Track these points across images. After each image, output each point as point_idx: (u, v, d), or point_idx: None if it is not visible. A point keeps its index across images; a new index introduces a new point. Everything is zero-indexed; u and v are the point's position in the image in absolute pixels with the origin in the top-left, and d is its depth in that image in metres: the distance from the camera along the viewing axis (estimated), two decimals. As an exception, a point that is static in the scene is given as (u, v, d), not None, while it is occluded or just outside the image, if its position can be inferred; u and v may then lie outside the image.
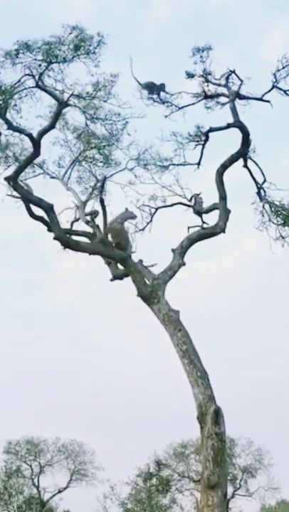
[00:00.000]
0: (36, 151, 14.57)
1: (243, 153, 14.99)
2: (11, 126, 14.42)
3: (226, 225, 14.80)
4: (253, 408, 45.94)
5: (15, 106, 14.26)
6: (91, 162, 17.00)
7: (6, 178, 14.76)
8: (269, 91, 14.89)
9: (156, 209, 16.32)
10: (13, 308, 55.85)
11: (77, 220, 16.37)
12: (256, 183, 15.68)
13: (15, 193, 15.18)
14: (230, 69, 15.08)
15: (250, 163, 15.35)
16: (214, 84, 15.23)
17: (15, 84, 14.11)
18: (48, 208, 14.54)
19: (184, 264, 14.53)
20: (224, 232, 14.83)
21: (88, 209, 16.35)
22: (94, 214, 15.91)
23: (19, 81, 14.12)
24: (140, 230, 16.24)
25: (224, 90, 15.20)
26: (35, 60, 14.01)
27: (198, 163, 15.79)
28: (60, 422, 44.99)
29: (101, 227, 15.11)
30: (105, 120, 15.74)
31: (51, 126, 14.74)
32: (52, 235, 14.59)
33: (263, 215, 15.85)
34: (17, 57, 13.92)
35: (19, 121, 14.47)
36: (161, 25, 54.74)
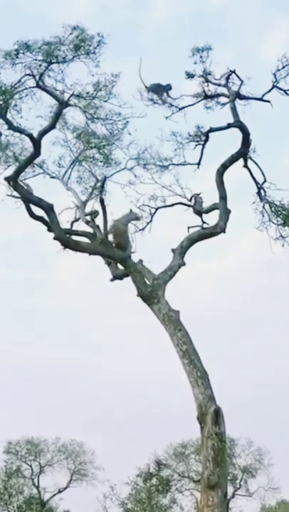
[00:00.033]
0: (36, 151, 14.58)
1: (243, 153, 14.99)
2: (11, 126, 14.42)
3: (226, 225, 14.80)
4: (253, 408, 45.97)
5: (15, 106, 14.27)
6: (91, 162, 17.01)
7: (6, 178, 14.77)
8: (269, 91, 14.90)
9: (156, 209, 16.33)
10: (13, 308, 55.87)
11: (77, 220, 16.38)
12: (256, 183, 15.68)
13: (15, 193, 15.19)
14: (230, 69, 15.08)
15: (250, 163, 15.36)
16: (214, 84, 15.23)
17: (15, 84, 14.12)
18: (48, 208, 14.54)
19: (184, 264, 14.53)
20: (224, 232, 14.84)
21: (88, 209, 16.36)
22: (94, 214, 15.91)
23: (19, 81, 14.13)
24: (140, 230, 16.26)
25: (224, 90, 15.20)
26: (36, 60, 14.01)
27: (198, 163, 15.79)
28: (60, 422, 45.02)
29: (101, 227, 15.12)
30: (106, 120, 15.75)
31: (51, 127, 14.74)
32: (52, 235, 14.59)
33: (263, 215, 15.86)
34: (17, 57, 13.92)
35: (19, 122, 14.50)
36: (161, 25, 54.77)
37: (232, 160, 14.92)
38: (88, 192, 16.89)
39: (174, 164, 16.02)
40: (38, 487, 43.63)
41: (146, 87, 15.16)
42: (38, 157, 15.25)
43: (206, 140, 15.47)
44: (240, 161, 15.19)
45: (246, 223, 16.31)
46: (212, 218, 15.33)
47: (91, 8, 52.85)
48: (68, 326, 58.55)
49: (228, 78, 15.15)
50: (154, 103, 15.26)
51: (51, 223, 14.56)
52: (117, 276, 15.03)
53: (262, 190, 15.74)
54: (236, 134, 14.79)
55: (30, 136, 14.37)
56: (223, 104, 15.22)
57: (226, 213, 14.83)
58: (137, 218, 15.97)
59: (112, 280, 15.18)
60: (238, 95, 14.99)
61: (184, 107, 15.35)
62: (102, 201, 14.99)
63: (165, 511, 42.29)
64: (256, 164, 15.44)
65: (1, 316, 56.40)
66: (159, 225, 16.47)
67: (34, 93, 14.37)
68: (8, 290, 55.48)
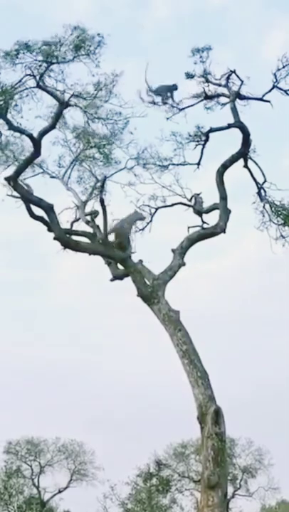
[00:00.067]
0: (37, 152, 14.58)
1: (244, 153, 15.00)
2: (11, 126, 14.42)
3: (226, 225, 14.81)
4: (253, 408, 45.91)
5: (16, 106, 14.26)
6: (91, 161, 17.01)
7: (6, 178, 14.78)
8: (269, 91, 14.90)
9: (156, 209, 16.33)
10: (13, 308, 55.78)
11: (77, 220, 16.39)
12: (256, 183, 15.68)
13: (15, 193, 15.20)
14: (230, 69, 15.08)
15: (250, 163, 15.36)
16: (214, 84, 15.23)
17: (16, 84, 14.12)
18: (48, 208, 14.55)
19: (184, 264, 14.54)
20: (224, 232, 14.84)
21: (88, 209, 16.36)
22: (94, 214, 15.92)
23: (20, 81, 14.14)
24: (140, 230, 16.25)
25: (224, 90, 15.20)
26: (36, 60, 14.02)
27: (198, 163, 15.79)
28: (60, 422, 44.97)
29: (101, 227, 15.12)
30: (106, 120, 15.76)
31: (52, 127, 14.75)
32: (52, 235, 14.60)
33: (263, 215, 15.85)
34: (17, 57, 13.93)
35: (20, 121, 14.49)
36: (161, 25, 54.76)
37: (232, 160, 14.93)
38: (88, 192, 16.89)
39: (173, 164, 16.03)
40: (38, 487, 43.60)
41: (153, 90, 15.17)
42: (38, 157, 15.26)
43: (206, 140, 15.47)
44: (241, 161, 15.20)
45: (246, 223, 16.34)
46: (212, 218, 15.37)
47: (91, 8, 52.85)
48: (68, 326, 58.55)
49: (228, 78, 15.16)
50: (155, 104, 15.26)
51: (51, 223, 14.57)
52: (117, 277, 15.04)
53: (262, 190, 15.74)
54: (236, 134, 14.83)
55: (30, 136, 14.37)
56: (224, 105, 15.23)
57: (226, 213, 14.83)
58: (142, 218, 15.99)
59: (112, 280, 15.19)
60: (239, 95, 15.00)
61: (184, 108, 15.35)
62: (102, 201, 15.00)
63: (165, 511, 42.27)
64: (256, 164, 15.45)
65: (1, 316, 56.38)
66: (159, 225, 16.49)
67: (35, 93, 14.39)
68: (8, 290, 55.46)
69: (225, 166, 14.84)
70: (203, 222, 15.65)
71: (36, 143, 14.39)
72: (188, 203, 16.06)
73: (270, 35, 52.40)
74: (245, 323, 53.20)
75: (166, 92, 15.24)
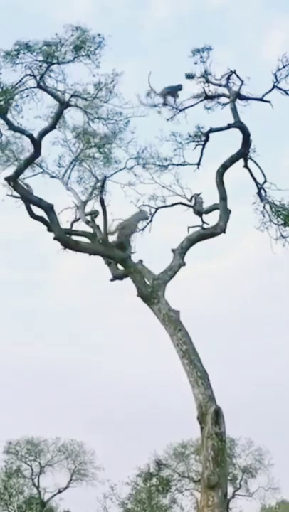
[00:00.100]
0: (37, 152, 14.59)
1: (244, 153, 15.00)
2: (11, 126, 14.42)
3: (226, 225, 14.81)
4: (253, 408, 45.92)
5: (16, 106, 14.27)
6: (91, 161, 17.00)
7: (6, 178, 14.78)
8: (270, 91, 14.90)
9: (157, 209, 16.32)
10: (13, 308, 55.80)
11: (77, 220, 16.38)
12: (256, 183, 15.68)
13: (15, 193, 15.20)
14: (230, 69, 15.08)
15: (250, 163, 15.36)
16: (215, 84, 15.23)
17: (16, 84, 14.12)
18: (48, 208, 14.55)
19: (184, 264, 14.54)
20: (224, 232, 14.85)
21: (88, 209, 16.36)
22: (94, 214, 15.92)
23: (20, 81, 14.14)
24: (140, 230, 16.25)
25: (225, 91, 15.20)
26: (36, 60, 14.02)
27: (198, 164, 15.79)
28: (60, 422, 44.98)
29: (101, 227, 15.12)
30: (107, 120, 15.76)
31: (52, 127, 14.75)
32: (52, 235, 14.61)
33: (263, 215, 15.85)
34: (17, 57, 13.93)
35: (20, 122, 14.49)
36: (161, 25, 54.77)
37: (232, 160, 14.93)
38: (88, 192, 16.89)
39: (173, 164, 16.02)
40: (38, 487, 43.61)
41: (156, 93, 15.18)
42: (38, 157, 15.26)
43: (206, 140, 15.47)
44: (241, 161, 15.19)
45: (247, 223, 16.33)
46: (212, 218, 15.36)
47: (91, 8, 52.82)
48: (68, 326, 58.56)
49: (228, 78, 15.15)
50: (156, 106, 15.28)
51: (51, 223, 14.57)
52: (117, 277, 15.04)
53: (262, 191, 15.74)
54: (236, 135, 14.83)
55: (30, 136, 14.37)
56: (224, 105, 15.23)
57: (226, 213, 14.84)
58: (146, 218, 16.00)
59: (112, 280, 15.19)
60: (239, 95, 15.00)
61: (184, 108, 15.35)
62: (102, 201, 14.99)
63: (165, 511, 42.27)
64: (256, 164, 15.44)
65: (1, 316, 56.42)
66: (159, 225, 16.48)
67: (35, 93, 14.39)
68: (8, 290, 55.48)
69: (225, 166, 14.85)
70: (203, 223, 15.65)
71: (36, 143, 14.39)
72: (189, 203, 16.06)
73: (270, 35, 52.45)
74: (245, 323, 53.23)
75: (172, 92, 15.25)
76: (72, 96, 14.63)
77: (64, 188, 16.72)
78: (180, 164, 15.94)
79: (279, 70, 14.76)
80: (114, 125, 15.89)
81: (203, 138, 15.43)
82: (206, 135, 15.39)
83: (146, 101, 15.21)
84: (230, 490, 38.38)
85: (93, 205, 16.39)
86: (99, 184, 16.25)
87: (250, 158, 15.29)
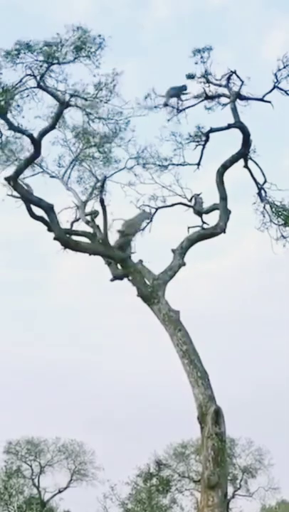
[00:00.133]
0: (37, 152, 14.59)
1: (244, 153, 15.00)
2: (12, 126, 14.42)
3: (226, 226, 14.81)
4: (253, 408, 45.90)
5: (17, 106, 14.27)
6: (91, 161, 17.00)
7: (6, 178, 14.78)
8: (270, 91, 14.91)
9: (157, 209, 16.32)
10: (13, 308, 55.78)
11: (77, 220, 16.39)
12: (257, 183, 15.68)
13: (15, 193, 15.20)
14: (230, 69, 15.09)
15: (250, 163, 15.36)
16: (215, 84, 15.24)
17: (16, 84, 14.13)
18: (48, 208, 14.55)
19: (184, 264, 14.54)
20: (224, 232, 14.85)
21: (88, 209, 16.36)
22: (94, 214, 15.92)
23: (20, 81, 14.14)
24: (140, 230, 16.24)
25: (225, 91, 15.21)
26: (37, 60, 14.03)
27: (198, 164, 15.79)
28: (60, 422, 44.97)
29: (101, 227, 15.11)
30: (107, 119, 15.76)
31: (52, 127, 14.75)
32: (52, 235, 14.60)
33: (263, 216, 15.85)
34: (18, 57, 13.93)
35: (20, 121, 14.50)
36: (161, 25, 54.71)
37: (232, 160, 14.94)
38: (88, 192, 16.89)
39: (173, 164, 16.03)
40: (38, 487, 43.59)
41: (164, 95, 15.19)
42: (38, 157, 15.26)
43: (207, 140, 15.47)
44: (241, 162, 15.20)
45: (247, 224, 16.34)
46: (212, 218, 15.36)
47: (91, 8, 52.76)
48: (68, 326, 58.54)
49: (228, 79, 15.16)
50: (156, 108, 15.29)
51: (51, 223, 14.57)
52: (117, 277, 15.03)
53: (262, 191, 15.74)
54: (237, 135, 14.83)
55: (30, 136, 14.37)
56: (224, 105, 15.24)
57: (226, 214, 14.84)
58: (149, 217, 16.01)
59: (112, 280, 15.19)
60: (239, 96, 15.00)
61: (184, 109, 15.36)
62: (102, 201, 14.99)
63: (165, 511, 42.27)
64: (257, 164, 15.45)
65: (1, 316, 56.40)
66: (159, 225, 16.48)
67: (35, 93, 14.40)
68: (8, 290, 55.45)
69: (225, 167, 14.85)
70: (203, 223, 15.65)
71: (36, 143, 14.39)
72: (189, 203, 16.06)
73: (270, 35, 52.40)
74: (245, 323, 53.22)
75: (178, 93, 15.26)
76: (72, 96, 14.64)
77: (64, 188, 16.74)
78: (180, 164, 15.95)
79: (279, 70, 14.78)
80: (115, 125, 15.89)
81: (204, 138, 15.44)
82: (206, 135, 15.40)
83: (146, 103, 15.23)
84: (230, 490, 38.37)
85: (93, 205, 16.42)
86: (99, 184, 16.26)
87: (251, 159, 15.29)
